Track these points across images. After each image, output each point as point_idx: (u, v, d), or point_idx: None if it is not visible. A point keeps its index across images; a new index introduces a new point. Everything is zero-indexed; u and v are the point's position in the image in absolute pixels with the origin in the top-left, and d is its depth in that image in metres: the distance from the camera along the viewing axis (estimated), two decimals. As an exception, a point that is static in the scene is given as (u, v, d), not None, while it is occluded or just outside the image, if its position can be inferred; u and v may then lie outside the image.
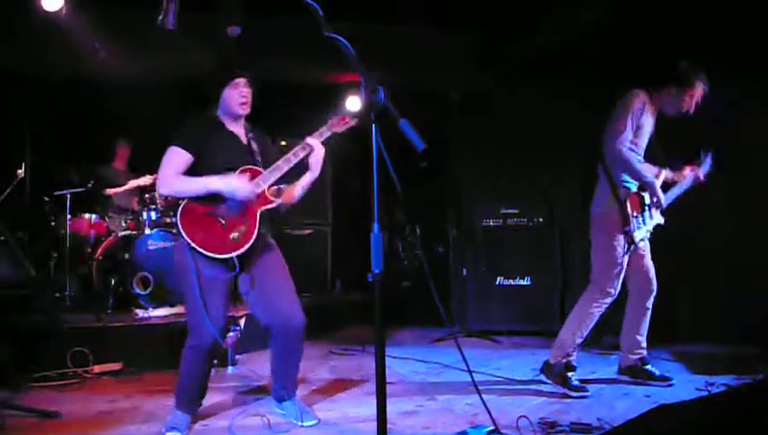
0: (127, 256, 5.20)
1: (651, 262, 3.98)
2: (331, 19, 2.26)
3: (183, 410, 3.18)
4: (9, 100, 5.80)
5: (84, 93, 6.04)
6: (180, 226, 3.05)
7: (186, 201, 3.09)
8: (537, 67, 5.83)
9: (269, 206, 3.18)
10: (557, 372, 3.79)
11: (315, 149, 3.22)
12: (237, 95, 3.19)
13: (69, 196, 5.37)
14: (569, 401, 3.59)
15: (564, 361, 3.80)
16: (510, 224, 5.92)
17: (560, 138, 5.59)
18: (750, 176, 4.86)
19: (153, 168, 5.76)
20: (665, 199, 3.87)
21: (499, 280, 5.81)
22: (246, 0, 5.27)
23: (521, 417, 3.04)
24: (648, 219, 3.88)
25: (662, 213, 3.94)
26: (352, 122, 3.31)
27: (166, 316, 4.93)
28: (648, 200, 3.85)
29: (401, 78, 5.97)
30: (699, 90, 3.80)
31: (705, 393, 3.54)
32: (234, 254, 3.05)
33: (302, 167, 3.26)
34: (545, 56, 5.73)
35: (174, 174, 3.08)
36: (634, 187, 3.84)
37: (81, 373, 4.16)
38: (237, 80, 3.19)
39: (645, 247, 3.96)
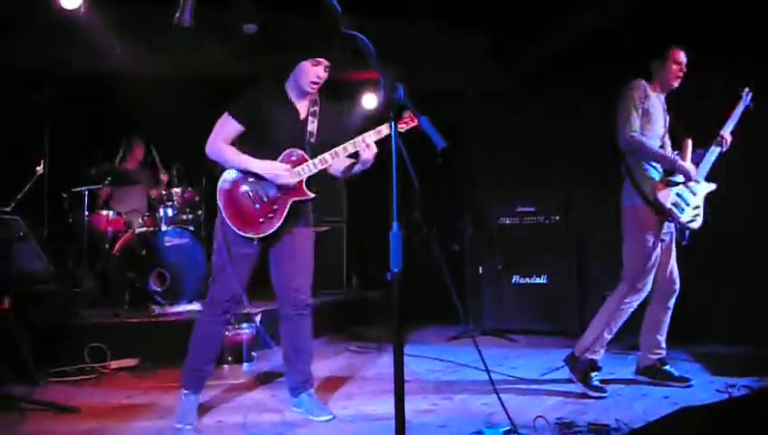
0: (144, 252, 5.23)
1: (675, 262, 3.92)
2: (347, 16, 2.25)
3: (189, 388, 3.22)
4: (28, 97, 5.85)
5: (102, 90, 6.07)
6: (219, 197, 3.17)
7: (226, 173, 3.19)
8: (555, 66, 5.79)
9: (303, 197, 3.21)
10: (581, 368, 3.74)
11: (369, 146, 3.16)
12: (314, 73, 3.18)
13: (87, 192, 5.40)
14: (586, 401, 3.56)
15: (590, 357, 3.75)
16: (526, 222, 5.88)
17: (576, 136, 5.55)
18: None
19: (171, 166, 5.86)
20: (703, 167, 3.84)
21: (515, 278, 5.77)
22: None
23: (538, 417, 3.01)
24: (690, 197, 3.79)
25: (708, 179, 3.89)
26: (413, 123, 3.16)
27: (182, 312, 4.95)
28: (679, 179, 3.78)
29: (418, 77, 5.96)
30: (678, 54, 3.84)
31: (725, 396, 3.49)
32: (255, 235, 3.15)
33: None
34: (563, 55, 5.69)
35: (221, 141, 3.18)
36: (657, 174, 3.78)
37: (98, 369, 4.20)
38: (321, 59, 3.19)
39: (671, 246, 3.89)
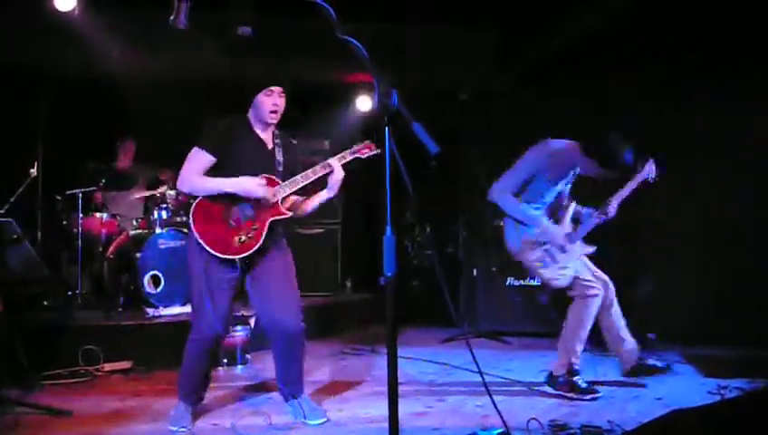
0: (138, 254, 5.22)
1: (593, 267, 3.94)
2: (344, 20, 2.25)
3: (184, 400, 3.29)
4: (22, 99, 5.83)
5: (97, 92, 6.06)
6: (192, 222, 3.15)
7: (200, 199, 3.18)
8: (552, 68, 5.81)
9: (280, 217, 3.24)
10: (563, 381, 3.77)
11: (336, 170, 3.25)
12: (270, 103, 3.23)
13: (81, 194, 5.39)
14: (579, 403, 3.57)
15: (567, 369, 3.79)
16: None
17: (574, 139, 5.57)
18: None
19: (165, 168, 5.84)
20: (581, 230, 3.89)
21: (509, 280, 5.79)
22: (257, 0, 5.27)
23: (531, 419, 3.03)
24: (558, 255, 3.81)
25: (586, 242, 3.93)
26: (377, 151, 3.27)
27: (176, 315, 4.95)
28: (544, 239, 3.79)
29: (414, 78, 5.98)
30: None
31: (718, 397, 3.51)
32: (236, 256, 3.15)
33: (321, 181, 3.30)
34: (563, 56, 5.70)
35: (194, 174, 3.18)
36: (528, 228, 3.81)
37: (92, 371, 4.19)
38: (273, 88, 3.23)
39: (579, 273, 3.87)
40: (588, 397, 3.64)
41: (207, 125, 3.28)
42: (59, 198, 5.59)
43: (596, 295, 3.80)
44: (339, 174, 3.26)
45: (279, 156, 3.33)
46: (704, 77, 5.12)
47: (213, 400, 3.68)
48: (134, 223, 5.64)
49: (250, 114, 3.31)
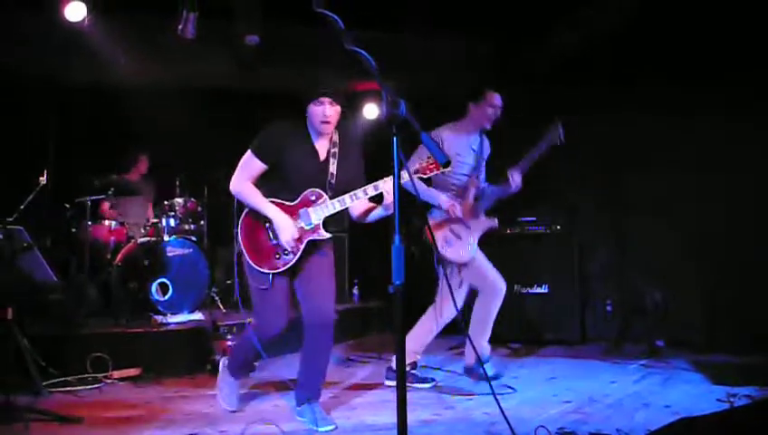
0: (146, 262, 5.25)
1: (488, 266, 4.13)
2: (349, 29, 2.27)
3: (233, 374, 3.61)
4: (32, 108, 5.88)
5: (105, 101, 6.11)
6: (240, 232, 3.32)
7: (247, 211, 3.32)
8: (557, 75, 5.82)
9: (318, 238, 3.29)
10: (476, 371, 4.10)
11: (389, 190, 3.19)
12: (320, 113, 3.24)
13: (89, 203, 5.43)
14: (588, 411, 3.56)
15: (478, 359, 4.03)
16: (528, 232, 5.89)
17: (578, 146, 5.58)
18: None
19: (171, 176, 5.88)
20: (483, 203, 4.10)
21: (516, 288, 5.78)
22: (264, 9, 5.31)
23: (539, 427, 3.02)
24: (463, 232, 4.04)
25: (486, 216, 4.13)
26: (437, 170, 3.21)
27: (184, 322, 4.97)
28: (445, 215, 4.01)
29: (418, 86, 5.99)
30: (494, 98, 4.04)
31: (727, 405, 3.49)
32: (270, 271, 3.26)
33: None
34: (564, 62, 5.72)
35: (246, 179, 3.28)
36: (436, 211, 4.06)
37: (100, 379, 4.20)
38: (322, 98, 3.24)
39: (478, 258, 4.10)
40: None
41: (264, 128, 3.30)
42: (68, 206, 5.64)
43: (500, 289, 4.05)
44: (390, 196, 3.19)
45: (333, 168, 3.33)
46: (699, 84, 5.11)
47: (221, 406, 3.69)
48: (142, 231, 5.68)
49: (308, 122, 3.32)
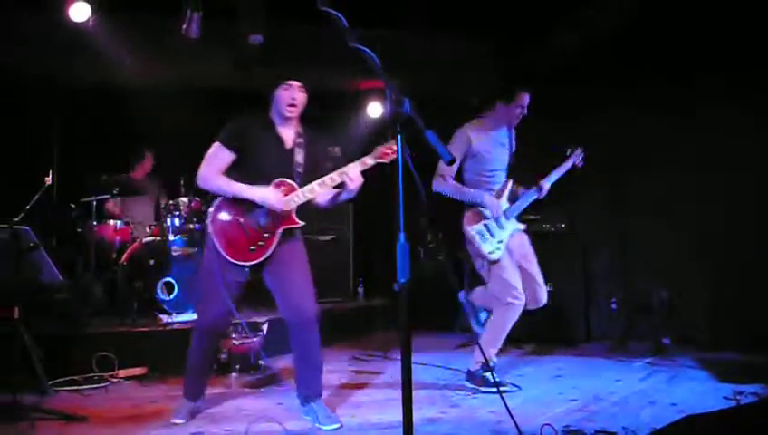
0: (151, 261, 5.26)
1: (536, 273, 4.15)
2: (352, 27, 2.27)
3: (186, 396, 3.45)
4: (36, 108, 5.90)
5: (110, 101, 6.13)
6: (210, 228, 3.25)
7: (219, 201, 3.27)
8: (559, 74, 5.81)
9: (292, 226, 3.31)
10: (479, 377, 3.98)
11: (354, 177, 3.25)
12: (288, 96, 3.29)
13: (95, 202, 5.44)
14: (594, 409, 3.55)
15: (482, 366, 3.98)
16: (532, 230, 5.85)
17: (582, 144, 5.58)
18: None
19: (178, 176, 5.89)
20: (517, 206, 4.11)
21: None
22: (268, 8, 5.31)
23: (545, 425, 3.01)
24: (496, 230, 4.05)
25: (518, 220, 4.16)
26: (393, 155, 3.25)
27: (189, 321, 4.97)
28: (488, 213, 4.05)
29: (422, 85, 5.99)
30: (523, 98, 4.09)
31: (733, 403, 3.48)
32: (248, 263, 3.24)
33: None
34: (567, 62, 5.71)
35: (214, 171, 3.25)
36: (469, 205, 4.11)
37: (106, 378, 4.21)
38: (291, 82, 3.30)
39: (530, 261, 4.16)
40: (486, 389, 3.88)
41: (228, 121, 3.32)
42: (73, 205, 5.65)
43: (518, 302, 3.97)
44: (357, 181, 3.26)
45: (299, 156, 3.35)
46: (699, 84, 5.09)
47: (225, 405, 3.70)
48: (147, 230, 5.69)
49: (271, 111, 3.36)
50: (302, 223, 3.32)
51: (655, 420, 3.25)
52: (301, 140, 3.38)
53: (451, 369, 4.59)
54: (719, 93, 4.96)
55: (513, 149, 4.26)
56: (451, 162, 2.40)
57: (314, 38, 5.20)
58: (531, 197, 4.15)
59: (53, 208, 5.66)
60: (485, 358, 3.75)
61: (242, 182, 3.25)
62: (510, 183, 4.15)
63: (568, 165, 4.21)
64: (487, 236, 4.02)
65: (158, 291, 5.14)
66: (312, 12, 2.30)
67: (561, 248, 5.72)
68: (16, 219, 4.78)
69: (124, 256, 5.46)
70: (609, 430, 3.08)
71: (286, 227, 3.28)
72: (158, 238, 5.49)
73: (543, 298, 4.12)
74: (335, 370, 4.68)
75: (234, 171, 3.28)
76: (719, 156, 5.02)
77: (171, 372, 4.30)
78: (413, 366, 2.16)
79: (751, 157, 4.90)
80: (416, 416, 2.18)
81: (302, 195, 3.26)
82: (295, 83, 3.30)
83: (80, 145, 6.11)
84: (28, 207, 4.99)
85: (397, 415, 2.19)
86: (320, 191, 3.29)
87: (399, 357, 2.16)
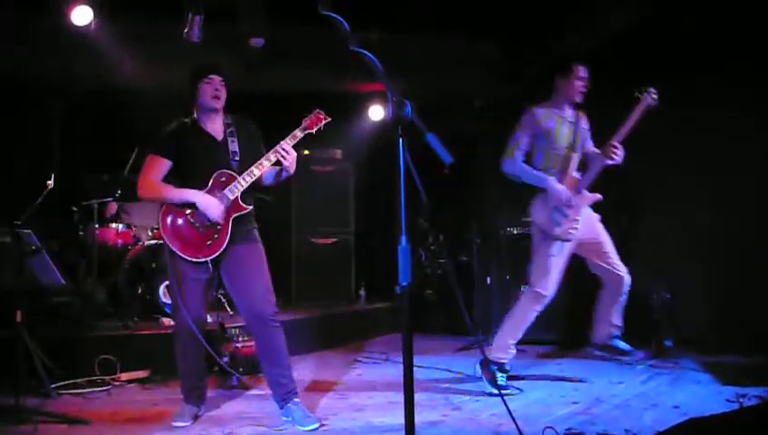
0: (153, 264, 5.27)
1: (612, 253, 4.20)
2: (354, 29, 2.28)
3: (186, 400, 3.48)
4: (39, 112, 5.91)
5: (111, 104, 6.14)
6: (162, 232, 3.31)
7: (164, 207, 3.32)
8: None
9: (242, 212, 3.37)
10: (492, 369, 4.00)
11: (288, 153, 3.33)
12: (211, 89, 3.35)
13: (97, 205, 5.45)
14: (595, 411, 3.55)
15: (498, 360, 4.03)
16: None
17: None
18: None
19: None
20: (585, 179, 4.11)
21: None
22: (269, 11, 5.32)
23: (547, 428, 3.01)
24: (567, 210, 4.04)
25: (589, 191, 4.14)
26: (327, 119, 3.48)
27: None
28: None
29: (427, 87, 6.00)
30: (580, 70, 4.14)
31: (736, 406, 3.47)
32: (208, 258, 3.30)
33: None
34: (571, 64, 5.70)
35: (153, 180, 3.33)
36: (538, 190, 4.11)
37: (108, 381, 4.22)
38: (212, 76, 3.37)
39: (602, 240, 4.18)
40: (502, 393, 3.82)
41: (154, 134, 3.40)
42: (75, 209, 5.66)
43: (546, 297, 4.05)
44: (292, 156, 3.34)
45: (233, 146, 3.41)
46: (702, 84, 5.08)
47: (228, 408, 3.70)
48: (149, 233, 5.69)
49: (194, 110, 3.43)
50: (250, 207, 3.40)
51: (657, 422, 3.24)
52: (232, 129, 3.44)
53: (460, 374, 4.57)
54: (720, 94, 4.95)
55: (586, 126, 4.28)
56: (451, 166, 2.38)
57: (315, 41, 5.20)
58: (600, 162, 4.09)
59: (56, 212, 5.66)
60: (501, 356, 3.91)
61: (184, 184, 3.34)
62: (573, 156, 4.12)
63: (640, 109, 4.03)
64: (559, 218, 4.01)
65: (160, 294, 5.14)
66: (313, 15, 2.31)
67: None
68: (19, 223, 4.80)
69: (126, 259, 5.46)
70: (612, 432, 3.07)
71: (236, 214, 3.34)
72: (160, 241, 5.49)
73: (627, 277, 4.20)
74: (336, 373, 4.68)
75: (174, 177, 3.37)
76: (720, 157, 5.01)
77: (173, 376, 4.27)
78: (415, 369, 2.16)
79: (752, 158, 4.89)
80: (417, 419, 2.18)
81: (243, 181, 3.32)
82: (216, 77, 3.37)
83: (81, 148, 6.12)
84: (30, 210, 5.00)
85: (398, 418, 2.19)
86: (258, 174, 3.36)
87: (401, 360, 2.16)
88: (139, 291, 5.26)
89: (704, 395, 3.79)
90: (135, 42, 5.38)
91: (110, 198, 5.61)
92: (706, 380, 4.17)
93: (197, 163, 3.36)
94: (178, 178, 3.39)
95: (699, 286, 5.19)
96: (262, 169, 3.34)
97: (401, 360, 2.16)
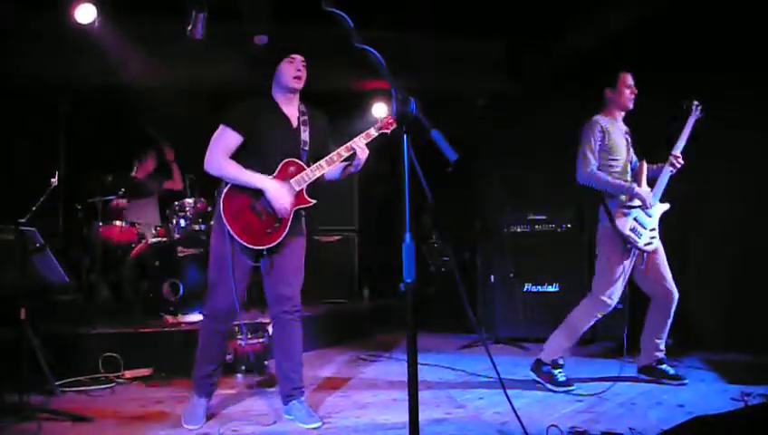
0: (157, 262, 5.27)
1: (667, 268, 4.07)
2: (358, 27, 2.27)
3: (197, 391, 3.38)
4: (43, 110, 5.91)
5: (115, 103, 6.14)
6: (222, 213, 3.18)
7: (229, 187, 3.21)
8: (565, 74, 5.80)
9: (304, 205, 3.29)
10: (546, 371, 4.00)
11: (360, 150, 3.27)
12: (293, 69, 3.26)
13: (100, 203, 5.45)
14: (600, 410, 3.54)
15: (552, 362, 4.03)
16: (538, 230, 5.87)
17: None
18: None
19: (183, 177, 5.91)
20: (657, 189, 4.05)
21: (527, 286, 5.76)
22: (273, 9, 5.32)
23: (551, 426, 3.01)
24: (646, 220, 3.99)
25: (661, 200, 4.09)
26: (394, 126, 3.35)
27: (195, 322, 4.97)
28: (636, 204, 3.98)
29: (429, 86, 5.98)
30: (628, 78, 4.10)
31: (741, 404, 3.46)
32: (265, 247, 3.22)
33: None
34: (574, 63, 5.70)
35: (223, 155, 3.20)
36: (617, 201, 4.01)
37: (112, 378, 4.22)
38: (294, 55, 3.28)
39: (659, 254, 4.06)
40: (561, 390, 3.90)
41: (232, 104, 3.29)
42: (79, 207, 5.67)
43: (610, 304, 3.94)
44: (363, 154, 3.28)
45: (305, 135, 3.33)
46: (710, 82, 5.06)
47: (230, 406, 3.70)
48: (153, 231, 5.70)
49: (274, 88, 3.33)
50: (313, 202, 3.31)
51: (662, 421, 3.24)
52: (305, 118, 3.36)
53: (459, 370, 4.58)
54: (731, 92, 4.93)
55: (629, 135, 4.23)
56: (454, 162, 2.37)
57: (319, 38, 5.20)
58: (668, 173, 4.07)
59: (60, 210, 5.66)
60: (554, 356, 3.91)
61: (249, 164, 3.20)
62: (645, 165, 4.08)
63: (692, 122, 4.10)
64: (640, 229, 3.96)
65: (164, 292, 5.15)
66: (316, 12, 2.30)
67: (567, 248, 5.70)
68: (23, 220, 4.80)
69: (130, 256, 5.46)
70: (616, 431, 3.07)
71: (299, 207, 3.28)
72: (164, 239, 5.50)
73: (676, 294, 4.07)
74: (340, 370, 4.68)
75: (242, 155, 3.23)
76: (723, 156, 4.99)
77: (177, 373, 4.30)
78: (419, 367, 2.15)
79: (761, 156, 4.87)
80: (421, 417, 2.17)
81: (311, 173, 3.26)
82: (298, 56, 3.28)
83: (85, 146, 6.12)
84: (34, 208, 5.01)
85: (402, 416, 2.19)
86: (327, 169, 3.29)
87: (405, 357, 2.16)
88: (143, 289, 5.26)
89: (709, 394, 3.79)
90: (138, 40, 5.38)
91: (114, 197, 5.61)
92: (711, 378, 4.17)
93: (269, 145, 3.23)
94: (245, 155, 3.23)
95: (704, 285, 5.18)
96: (331, 163, 3.27)
97: (405, 357, 2.15)
